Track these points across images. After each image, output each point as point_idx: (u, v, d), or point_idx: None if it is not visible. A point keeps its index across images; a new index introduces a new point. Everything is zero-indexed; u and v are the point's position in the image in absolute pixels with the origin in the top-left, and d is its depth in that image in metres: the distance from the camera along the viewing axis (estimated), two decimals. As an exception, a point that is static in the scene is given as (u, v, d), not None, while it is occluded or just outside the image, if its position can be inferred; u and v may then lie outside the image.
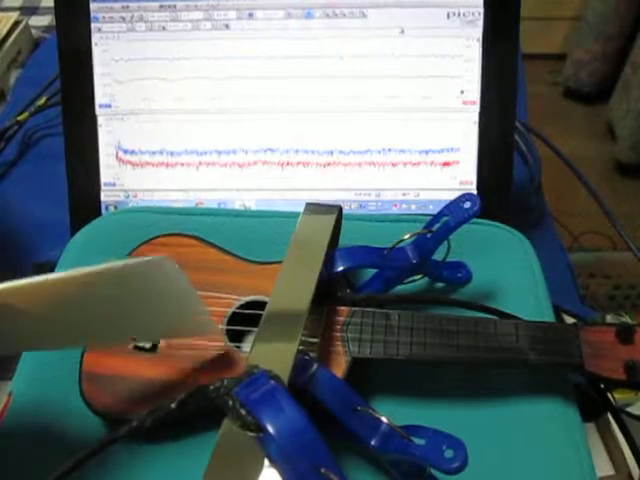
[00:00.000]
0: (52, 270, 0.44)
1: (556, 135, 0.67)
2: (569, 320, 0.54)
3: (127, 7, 0.49)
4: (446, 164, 0.49)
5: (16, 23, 0.76)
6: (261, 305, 0.36)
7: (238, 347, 0.37)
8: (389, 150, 0.49)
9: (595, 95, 1.64)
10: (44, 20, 0.81)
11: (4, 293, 0.26)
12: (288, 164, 0.50)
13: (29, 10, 0.82)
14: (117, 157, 0.50)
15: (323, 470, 0.25)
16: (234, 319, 0.38)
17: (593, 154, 1.51)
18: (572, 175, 0.63)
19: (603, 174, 1.47)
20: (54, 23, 0.49)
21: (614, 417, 0.40)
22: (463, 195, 0.38)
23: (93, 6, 0.49)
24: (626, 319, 0.70)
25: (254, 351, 0.31)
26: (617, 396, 0.49)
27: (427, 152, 0.49)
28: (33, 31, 0.79)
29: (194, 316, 0.35)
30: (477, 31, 0.48)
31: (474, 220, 0.39)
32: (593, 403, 0.40)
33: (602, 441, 0.52)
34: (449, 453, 0.28)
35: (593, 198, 0.61)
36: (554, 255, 0.60)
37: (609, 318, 0.68)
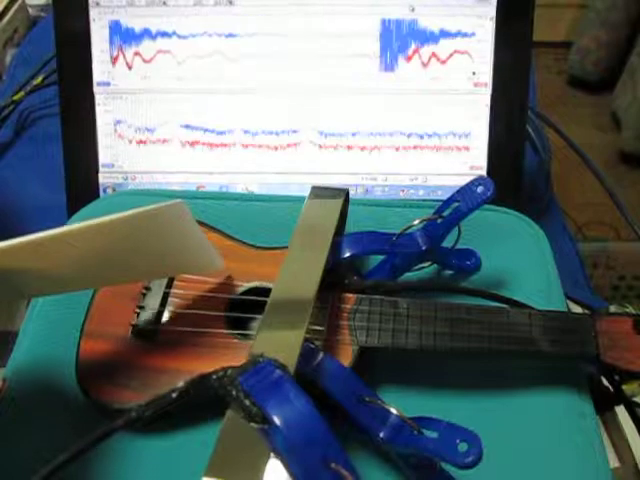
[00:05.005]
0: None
1: (560, 124, 0.65)
2: (576, 309, 0.53)
3: (126, -19, 0.47)
4: (456, 148, 0.48)
5: (12, 1, 0.75)
6: (265, 291, 0.35)
7: (241, 335, 0.36)
8: (397, 133, 0.48)
9: (600, 84, 1.62)
10: (41, -2, 0.79)
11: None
12: (292, 146, 0.48)
13: (25, -12, 0.80)
14: (116, 137, 0.48)
15: (333, 465, 0.24)
16: (237, 306, 0.37)
17: (597, 143, 1.49)
18: (575, 164, 0.61)
19: (607, 164, 1.46)
20: (51, 2, 0.47)
21: (628, 409, 0.39)
22: (476, 179, 0.37)
23: (91, -20, 0.47)
24: (630, 310, 0.69)
25: (259, 339, 0.30)
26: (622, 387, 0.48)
27: (436, 136, 0.48)
28: (30, 10, 0.78)
29: (200, 253, 0.37)
30: (490, 9, 0.46)
31: (485, 206, 0.38)
32: (601, 396, 0.39)
33: (606, 433, 0.52)
34: (463, 447, 0.27)
35: (602, 187, 0.60)
36: (563, 244, 0.59)
37: (612, 309, 0.67)
